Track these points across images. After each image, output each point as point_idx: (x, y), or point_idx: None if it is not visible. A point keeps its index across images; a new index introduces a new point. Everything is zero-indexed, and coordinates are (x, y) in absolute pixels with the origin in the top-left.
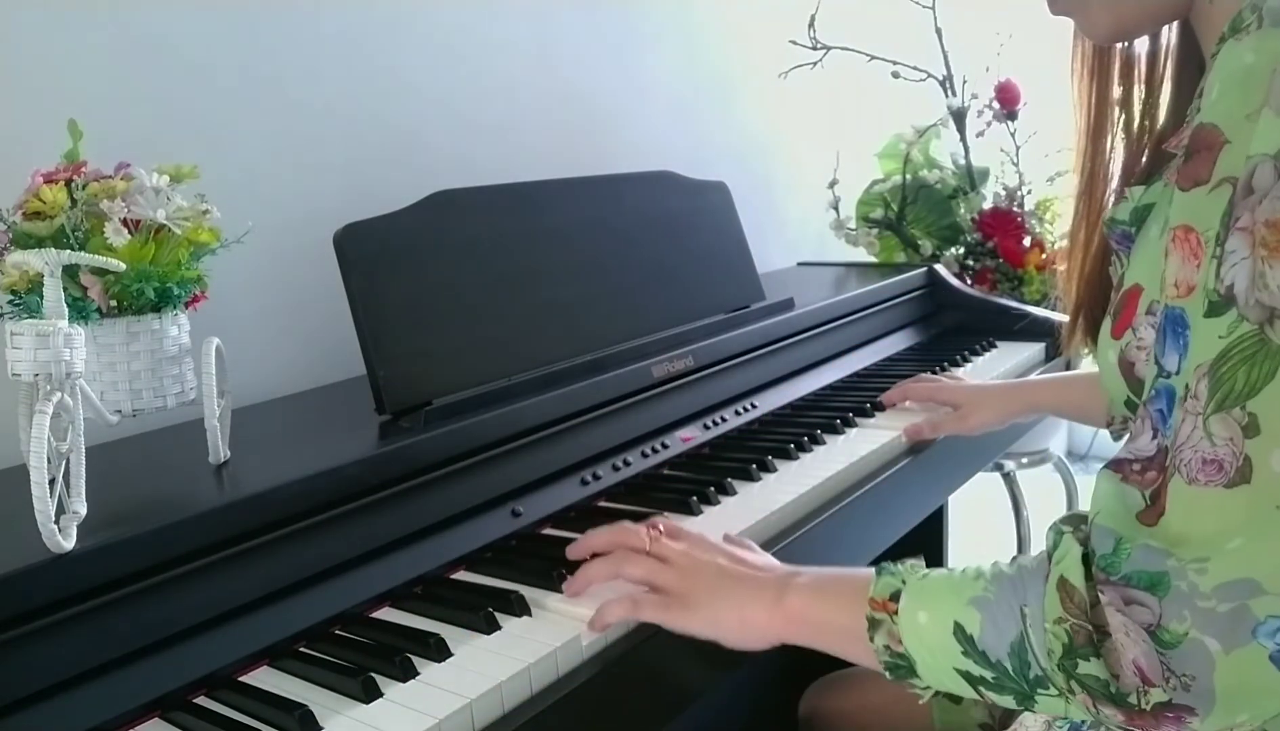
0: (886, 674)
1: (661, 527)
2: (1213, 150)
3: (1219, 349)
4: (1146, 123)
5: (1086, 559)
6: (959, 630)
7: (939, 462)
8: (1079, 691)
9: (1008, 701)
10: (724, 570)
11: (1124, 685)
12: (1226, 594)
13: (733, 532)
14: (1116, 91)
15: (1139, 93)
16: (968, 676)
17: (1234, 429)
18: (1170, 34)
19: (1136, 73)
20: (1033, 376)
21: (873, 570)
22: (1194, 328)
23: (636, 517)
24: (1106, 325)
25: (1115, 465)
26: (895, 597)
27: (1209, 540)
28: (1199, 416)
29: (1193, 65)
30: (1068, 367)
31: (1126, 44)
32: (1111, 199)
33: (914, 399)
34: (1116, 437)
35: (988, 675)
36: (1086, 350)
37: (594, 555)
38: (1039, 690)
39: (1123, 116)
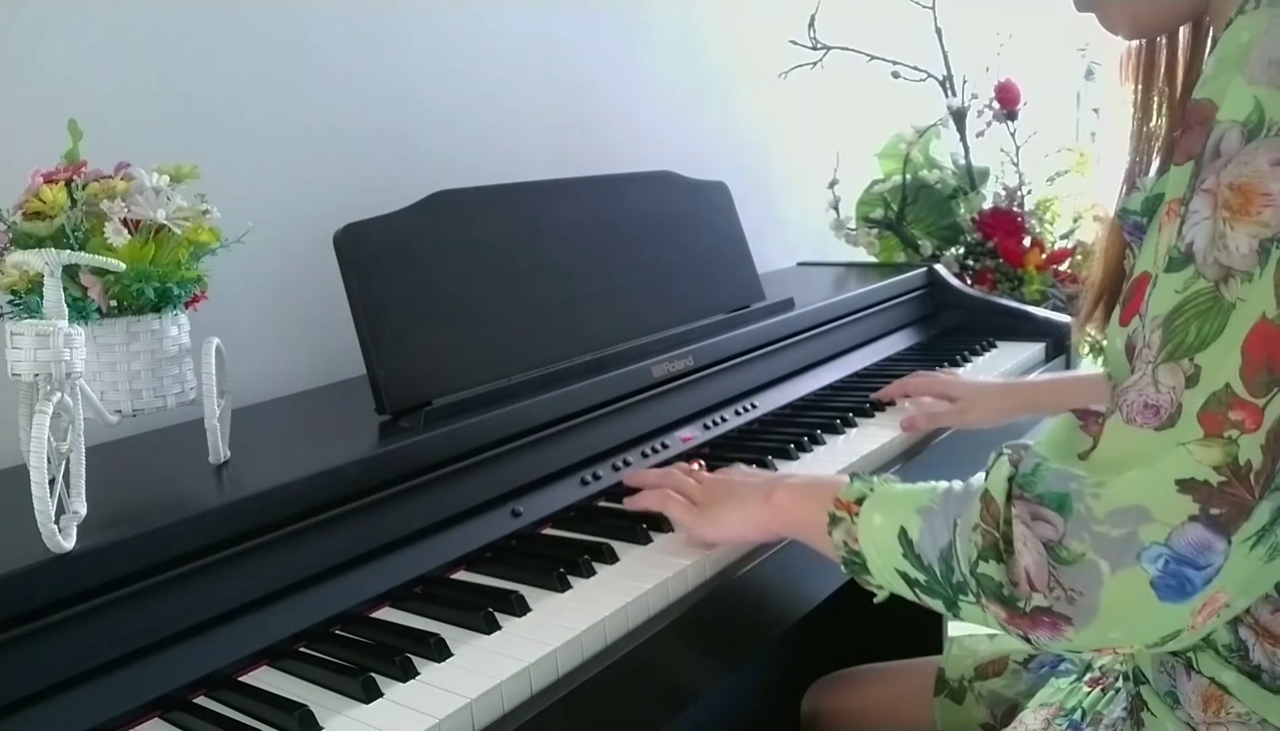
0: (843, 567)
1: (700, 465)
2: (1204, 124)
3: (1175, 303)
4: (1177, 116)
5: (1011, 478)
6: (902, 534)
7: (939, 462)
8: (980, 593)
9: (938, 605)
10: (735, 483)
11: (1018, 591)
12: (1118, 519)
13: None
14: (1164, 88)
15: (1179, 84)
16: (905, 577)
17: (1178, 378)
18: (1206, 31)
19: (1178, 70)
20: (1032, 376)
21: (848, 477)
22: (1155, 280)
23: (638, 517)
24: (1115, 313)
25: (1081, 412)
26: (860, 501)
27: (1109, 466)
28: (1149, 365)
29: None
30: (1067, 368)
31: (1170, 41)
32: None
33: (913, 393)
34: None
35: (920, 578)
36: (1084, 351)
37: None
38: (960, 596)
39: (1165, 103)
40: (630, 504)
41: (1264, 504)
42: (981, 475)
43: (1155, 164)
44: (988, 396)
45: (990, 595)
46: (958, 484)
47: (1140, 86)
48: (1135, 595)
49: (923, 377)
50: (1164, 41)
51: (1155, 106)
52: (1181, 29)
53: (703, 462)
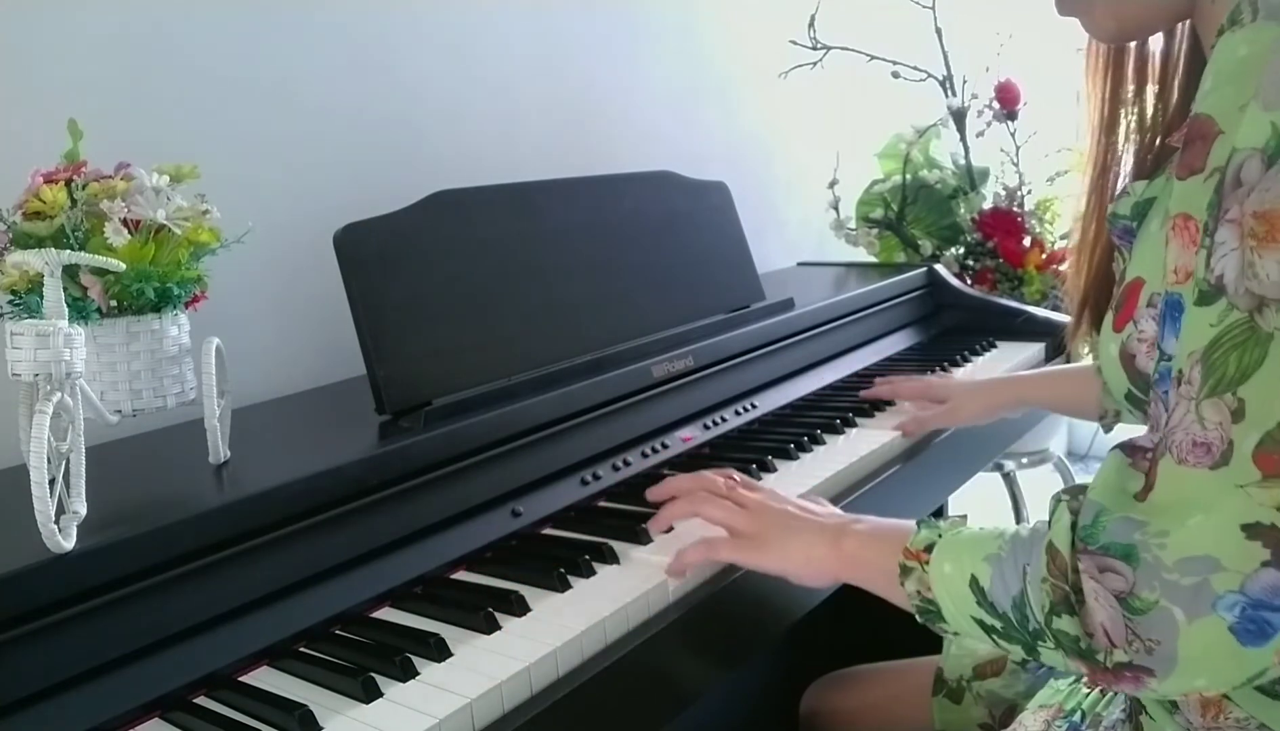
0: (918, 616)
1: (737, 477)
2: (1207, 140)
3: (1211, 336)
4: (1159, 120)
5: (1074, 527)
6: (974, 582)
7: (939, 462)
8: (1060, 647)
9: (1016, 650)
10: (793, 515)
11: (1095, 643)
12: (1187, 568)
13: None
14: (1130, 88)
15: (1151, 91)
16: (982, 624)
17: (1224, 413)
18: (1183, 33)
19: (1150, 71)
20: (1023, 371)
21: (915, 523)
22: (1187, 313)
23: (638, 517)
24: (1109, 319)
25: (1129, 448)
26: (929, 548)
27: (1171, 514)
28: (1192, 401)
29: (1199, 66)
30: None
31: (1140, 42)
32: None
33: (904, 397)
34: (1108, 431)
35: (997, 625)
36: (1087, 349)
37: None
38: (1039, 642)
39: (1135, 113)
40: (654, 525)
41: None
42: (1044, 522)
43: (1128, 168)
44: (976, 394)
45: (1069, 650)
46: (1024, 528)
47: (1108, 103)
48: (1215, 643)
49: (912, 383)
50: (1136, 44)
51: (1127, 109)
52: (1179, 29)
53: (737, 479)
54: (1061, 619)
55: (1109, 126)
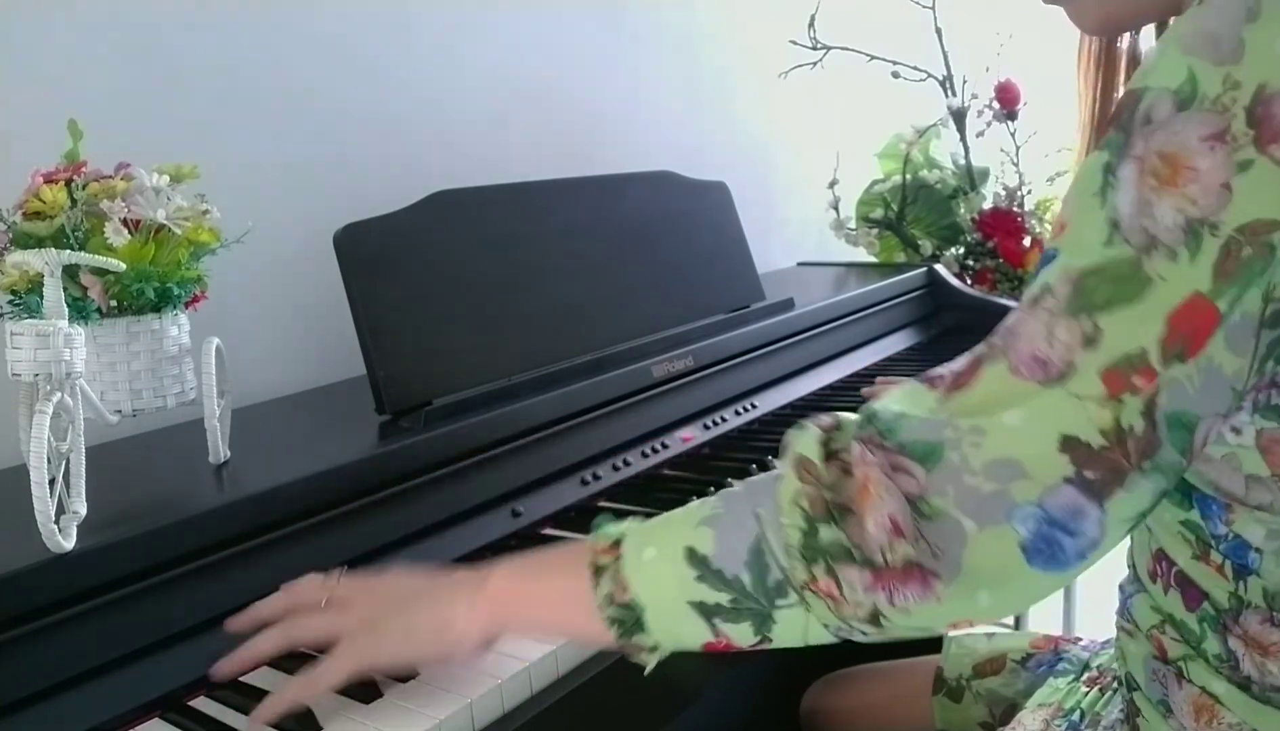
0: (612, 629)
1: (338, 575)
2: (1130, 109)
3: (1093, 261)
4: None
5: (825, 441)
6: (691, 553)
7: None
8: (820, 572)
9: (745, 631)
10: (413, 586)
11: (873, 542)
12: (993, 472)
13: None
14: (1121, 87)
15: None
16: (702, 607)
17: (1076, 336)
18: None
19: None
20: None
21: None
22: (1064, 250)
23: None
24: None
25: (924, 376)
26: (618, 543)
27: (989, 410)
28: (1050, 314)
29: None
30: None
31: (1134, 38)
32: None
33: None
34: None
35: (724, 599)
36: None
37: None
38: (779, 600)
39: None
40: (224, 669)
41: (1145, 481)
42: (763, 474)
43: None
44: None
45: (841, 560)
46: (737, 485)
47: (1100, 87)
48: (1004, 558)
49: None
50: (1126, 41)
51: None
52: (1146, 31)
53: (341, 573)
54: (829, 528)
55: (1100, 123)
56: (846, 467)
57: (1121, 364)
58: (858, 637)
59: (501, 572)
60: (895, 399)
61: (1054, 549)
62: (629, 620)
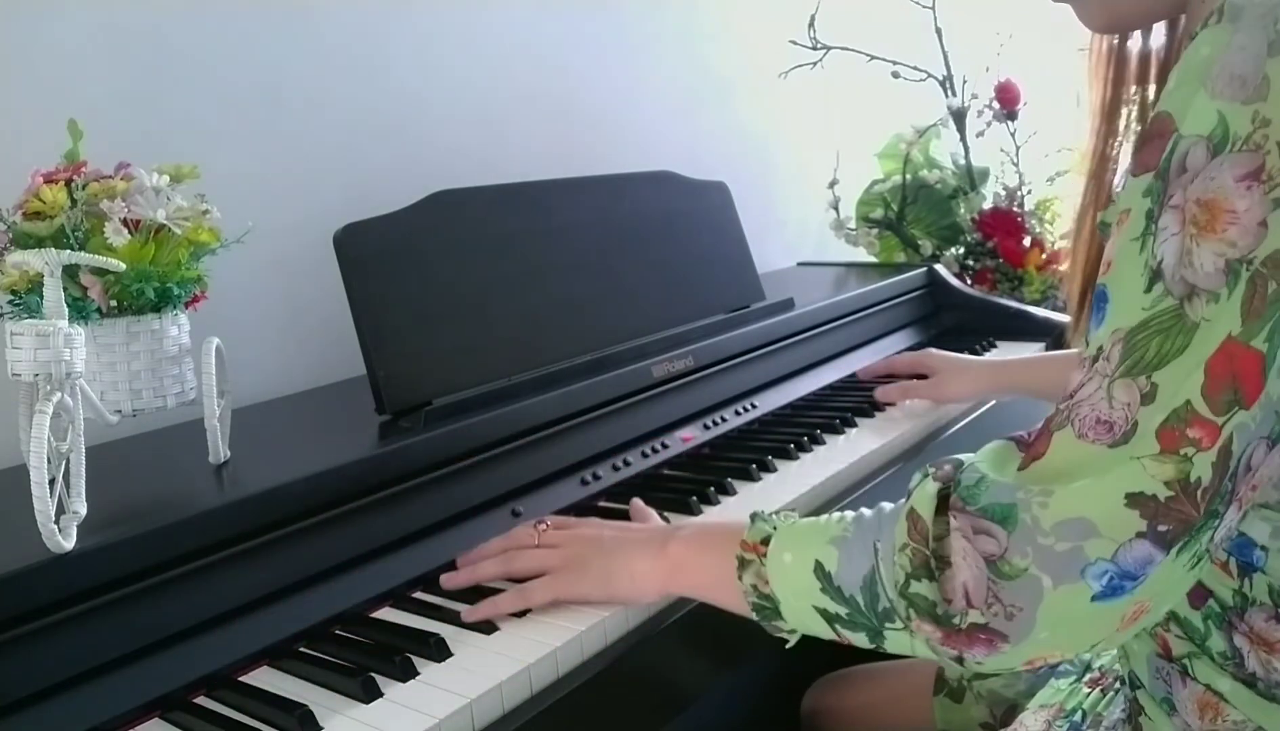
0: (754, 614)
1: (549, 522)
2: (1164, 137)
3: (1140, 318)
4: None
5: (941, 494)
6: (819, 567)
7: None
8: (912, 614)
9: (860, 639)
10: (609, 537)
11: (952, 607)
12: (1064, 532)
13: None
14: (1132, 87)
15: (1152, 87)
16: (825, 614)
17: (1134, 395)
18: (1182, 30)
19: (1150, 67)
20: (1009, 357)
21: (749, 518)
22: (1114, 299)
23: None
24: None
25: (1011, 437)
26: (766, 541)
27: (1058, 477)
28: (1105, 378)
29: None
30: None
31: (1144, 36)
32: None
33: (898, 369)
34: None
35: (842, 611)
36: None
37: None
38: (887, 624)
39: (1136, 109)
40: (450, 580)
41: (1208, 524)
42: (902, 500)
43: (1121, 168)
44: (966, 373)
45: (923, 614)
46: (866, 511)
47: (1110, 89)
48: (1077, 609)
49: (904, 356)
50: (1135, 42)
51: (1124, 109)
52: (1156, 29)
53: (548, 523)
54: (921, 583)
55: (1109, 122)
56: (948, 525)
57: (1173, 419)
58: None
59: (679, 541)
60: (985, 458)
61: (1116, 591)
62: (769, 608)
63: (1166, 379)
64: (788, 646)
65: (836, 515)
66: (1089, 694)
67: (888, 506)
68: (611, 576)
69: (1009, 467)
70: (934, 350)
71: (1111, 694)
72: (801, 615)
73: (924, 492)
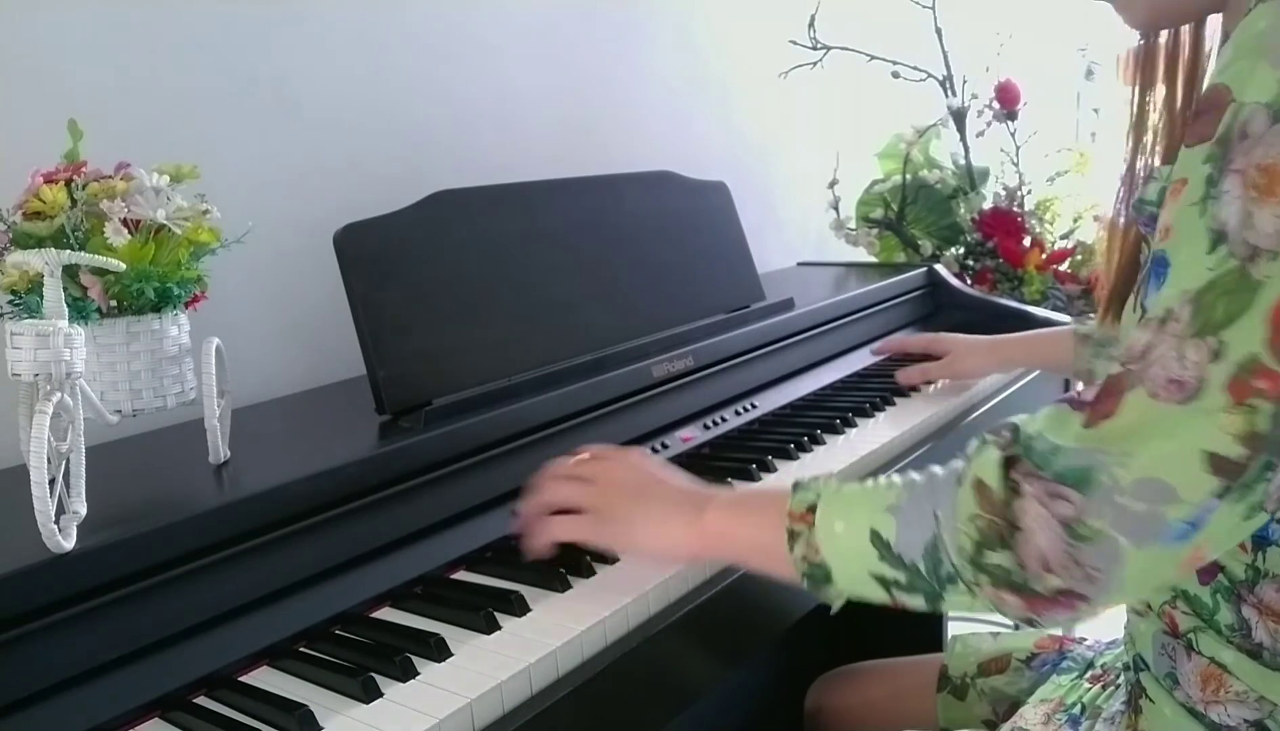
0: (803, 582)
1: (589, 452)
2: (1220, 109)
3: (1206, 279)
4: (1187, 109)
5: (1005, 462)
6: (875, 536)
7: (940, 462)
8: (985, 583)
9: (917, 601)
10: (643, 487)
11: (1028, 572)
12: (1143, 492)
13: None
14: (1161, 82)
15: (1182, 82)
16: (882, 579)
17: (1204, 353)
18: (1216, 26)
19: (1181, 63)
20: (1010, 335)
21: (789, 485)
22: (1175, 264)
23: None
24: (1130, 301)
25: (1070, 401)
26: (812, 509)
27: (1130, 435)
28: (1176, 338)
29: None
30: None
31: (1172, 35)
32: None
33: (910, 349)
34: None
35: (901, 577)
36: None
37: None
38: (948, 586)
39: (1166, 103)
40: (518, 526)
41: (1263, 475)
42: (943, 468)
43: (1157, 161)
44: (974, 350)
45: (1001, 583)
46: (916, 474)
47: (1139, 86)
48: (1157, 569)
49: (916, 337)
50: (1166, 40)
51: (1156, 105)
52: (1185, 27)
53: (588, 453)
54: (996, 553)
55: (1141, 115)
56: (1017, 491)
57: (1240, 372)
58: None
59: (716, 508)
60: (1041, 424)
61: (1181, 537)
62: (819, 575)
63: (1233, 336)
64: (832, 612)
65: (884, 480)
66: (1089, 689)
67: (939, 470)
68: (638, 531)
69: (1069, 429)
70: (937, 335)
71: (1112, 688)
72: (855, 582)
73: (988, 460)
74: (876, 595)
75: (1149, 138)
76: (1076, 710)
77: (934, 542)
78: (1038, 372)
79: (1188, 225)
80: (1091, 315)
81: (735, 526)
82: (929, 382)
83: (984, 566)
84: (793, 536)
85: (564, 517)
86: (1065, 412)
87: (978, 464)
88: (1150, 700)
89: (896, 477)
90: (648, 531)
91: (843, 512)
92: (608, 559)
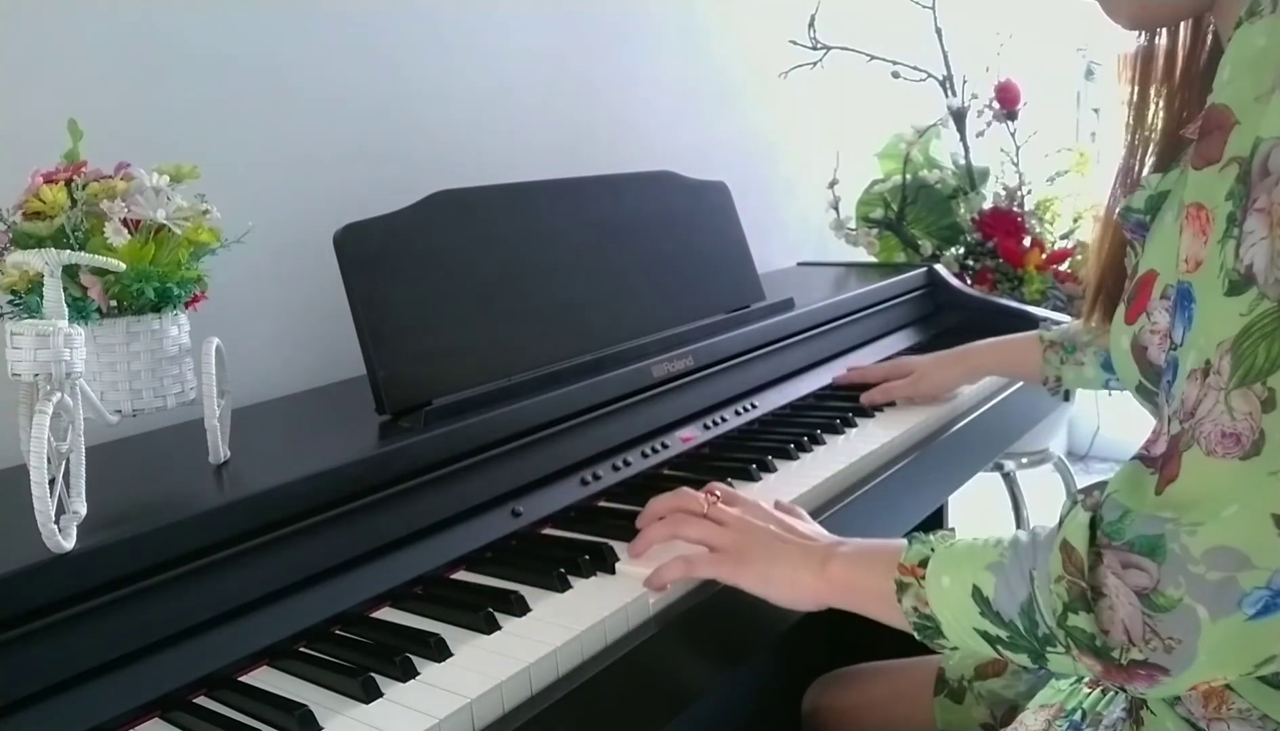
0: (916, 634)
1: (719, 493)
2: (1224, 130)
3: (1241, 326)
4: (1179, 114)
5: (1092, 524)
6: (976, 592)
7: (939, 462)
8: (1071, 646)
9: (1023, 659)
10: (775, 535)
11: (1110, 641)
12: (1215, 561)
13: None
14: (1160, 82)
15: (1173, 84)
16: (986, 635)
17: (1254, 403)
18: (1206, 26)
19: (1176, 64)
20: (974, 344)
21: (905, 540)
22: (1202, 304)
23: (636, 518)
24: (1120, 312)
25: (1144, 458)
26: (924, 563)
27: (1203, 507)
28: (1221, 391)
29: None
30: None
31: (1169, 35)
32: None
33: (873, 378)
34: (1053, 394)
35: (1003, 634)
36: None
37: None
38: (1048, 648)
39: (1161, 107)
40: (633, 550)
41: None
42: (1053, 525)
43: (1150, 162)
44: (938, 365)
45: (1083, 648)
46: (1023, 534)
47: (1137, 86)
48: (1237, 639)
49: (878, 366)
50: (1163, 40)
51: (1152, 105)
52: (1182, 26)
53: (718, 495)
54: (1077, 616)
55: (1139, 118)
56: (1100, 557)
57: None
58: None
59: (839, 560)
60: (1118, 482)
61: (1270, 609)
62: (930, 627)
63: None
64: (952, 662)
65: (993, 538)
66: (1089, 694)
67: (1042, 531)
68: (772, 578)
69: (1145, 492)
70: (898, 360)
71: (1112, 694)
72: (963, 636)
73: (1077, 523)
74: (983, 650)
75: (1145, 136)
76: (1077, 716)
77: (1029, 602)
78: None
79: (1212, 262)
80: None
81: (855, 577)
82: (891, 403)
83: (1069, 628)
84: (901, 587)
85: (704, 555)
86: (1140, 473)
87: (1068, 526)
88: (1152, 712)
89: (1004, 536)
90: (781, 578)
91: (949, 567)
92: (607, 559)
